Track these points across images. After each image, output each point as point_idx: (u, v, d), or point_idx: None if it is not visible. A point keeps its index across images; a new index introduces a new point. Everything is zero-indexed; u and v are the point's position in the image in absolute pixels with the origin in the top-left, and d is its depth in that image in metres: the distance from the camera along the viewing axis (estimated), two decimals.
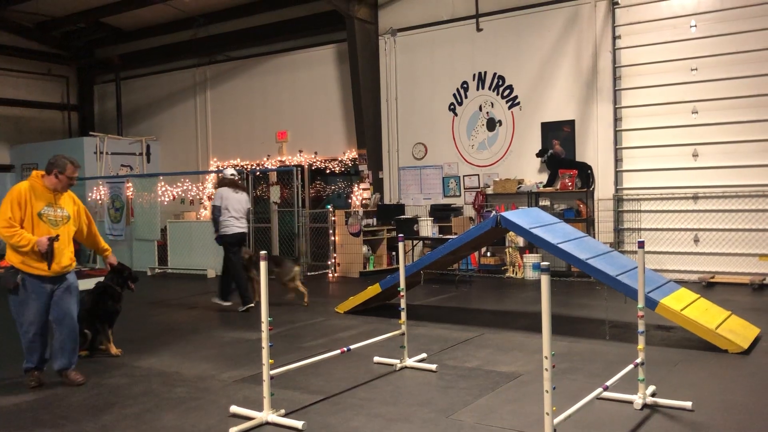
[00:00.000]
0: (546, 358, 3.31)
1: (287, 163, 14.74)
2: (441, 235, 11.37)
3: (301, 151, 14.73)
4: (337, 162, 14.27)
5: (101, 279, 6.80)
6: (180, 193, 14.92)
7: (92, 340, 6.48)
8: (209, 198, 15.33)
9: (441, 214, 12.15)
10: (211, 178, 15.57)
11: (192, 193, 14.98)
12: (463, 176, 12.63)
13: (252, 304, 8.79)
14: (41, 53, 17.34)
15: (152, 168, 16.73)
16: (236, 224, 8.93)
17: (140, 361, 6.24)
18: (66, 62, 17.95)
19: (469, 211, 12.37)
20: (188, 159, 16.53)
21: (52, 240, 5.34)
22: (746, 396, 4.82)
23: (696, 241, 10.45)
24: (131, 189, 14.28)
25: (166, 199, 14.61)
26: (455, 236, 9.73)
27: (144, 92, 17.59)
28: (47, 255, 5.32)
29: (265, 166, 15.05)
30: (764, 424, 4.24)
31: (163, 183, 14.46)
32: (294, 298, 9.15)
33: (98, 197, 15.06)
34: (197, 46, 15.96)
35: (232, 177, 9.39)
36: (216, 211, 8.90)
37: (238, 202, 8.95)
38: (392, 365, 5.79)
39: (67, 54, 17.84)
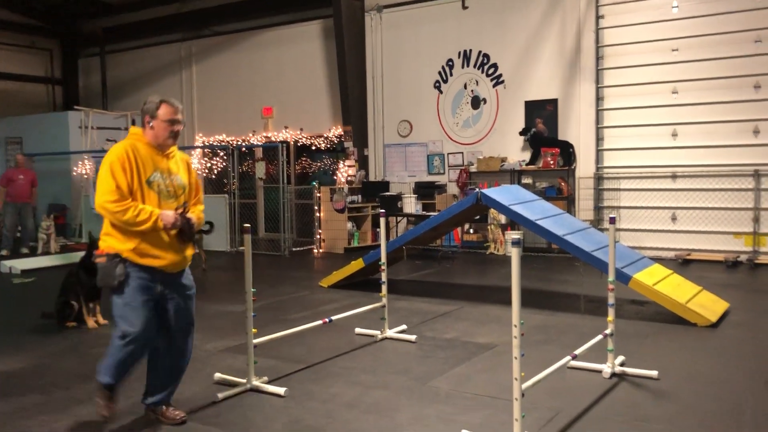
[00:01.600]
0: (515, 326, 3.48)
1: (273, 139, 14.79)
2: (424, 212, 11.53)
3: (286, 128, 14.77)
4: (322, 138, 14.34)
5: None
6: None
7: (79, 312, 6.60)
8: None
9: (425, 191, 12.30)
10: (196, 154, 15.60)
11: None
12: (448, 154, 12.76)
13: None
14: (24, 26, 17.18)
15: None
16: None
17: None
18: (50, 35, 17.80)
19: (453, 189, 12.53)
20: None
21: (183, 214, 3.92)
22: (710, 366, 5.04)
23: (673, 219, 10.69)
24: None
25: None
26: (437, 213, 9.89)
27: (129, 66, 17.50)
28: (184, 235, 3.95)
29: (251, 141, 15.09)
30: (723, 392, 4.46)
31: None
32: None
33: (84, 172, 15.06)
34: (183, 20, 15.88)
35: None
36: None
37: None
38: (373, 336, 5.97)
39: (51, 27, 17.69)
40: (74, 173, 15.43)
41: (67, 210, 15.44)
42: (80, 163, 15.21)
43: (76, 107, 16.51)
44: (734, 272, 9.29)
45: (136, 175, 3.86)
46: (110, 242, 3.88)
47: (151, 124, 4.00)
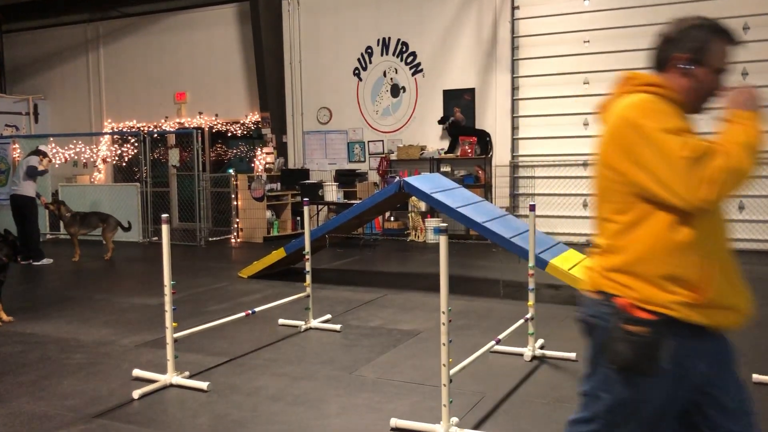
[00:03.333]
0: (443, 312, 3.51)
1: (186, 125, 14.35)
2: (346, 200, 11.49)
3: (201, 113, 14.36)
4: (239, 125, 14.03)
5: None
6: (72, 155, 14.25)
7: None
8: (104, 161, 14.75)
9: (346, 179, 12.25)
10: (106, 140, 14.94)
11: (85, 156, 14.34)
12: (368, 142, 12.75)
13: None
14: None
15: (41, 129, 15.81)
16: (12, 188, 10.22)
17: (33, 328, 6.04)
18: None
19: (374, 177, 12.54)
20: (80, 120, 15.73)
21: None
22: None
23: (585, 205, 11.09)
24: (18, 150, 13.48)
25: (57, 162, 13.92)
26: (360, 201, 9.87)
27: (30, 47, 16.50)
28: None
29: (163, 128, 14.58)
30: None
31: (53, 144, 13.75)
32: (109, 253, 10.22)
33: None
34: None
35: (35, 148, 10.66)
36: None
37: (18, 168, 10.31)
38: (297, 327, 5.90)
39: None
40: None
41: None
42: None
43: None
44: None
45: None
46: (640, 288, 2.04)
47: (691, 68, 2.19)
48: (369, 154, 12.74)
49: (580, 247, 9.67)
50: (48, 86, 16.31)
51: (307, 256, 5.99)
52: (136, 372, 4.65)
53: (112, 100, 15.53)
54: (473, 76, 11.78)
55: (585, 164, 10.99)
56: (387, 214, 11.99)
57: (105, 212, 10.60)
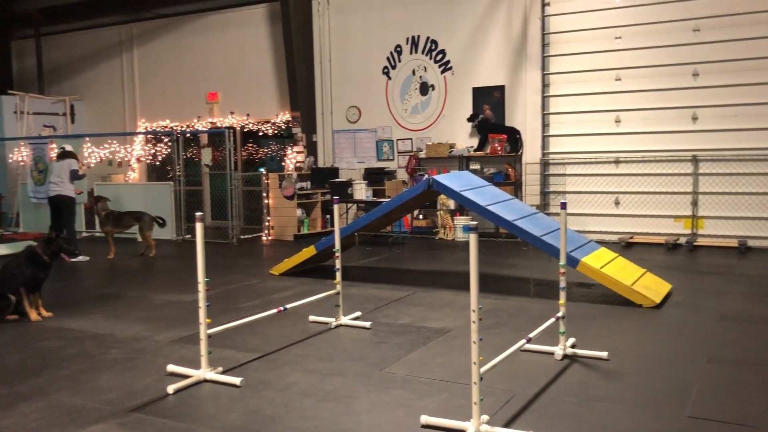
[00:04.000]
0: (473, 311, 3.51)
1: (218, 124, 14.52)
2: (375, 198, 11.53)
3: (232, 113, 14.52)
4: (270, 124, 14.15)
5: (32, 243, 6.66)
6: (107, 155, 14.53)
7: (18, 304, 6.36)
8: (138, 160, 15.01)
9: (375, 177, 12.30)
10: (140, 140, 15.20)
11: (120, 155, 14.61)
12: (397, 140, 12.78)
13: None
14: None
15: (77, 129, 16.16)
16: (53, 188, 10.42)
17: (72, 324, 6.18)
18: None
19: (403, 175, 12.56)
20: (115, 120, 16.03)
21: None
22: (655, 345, 5.21)
23: (617, 203, 10.97)
24: (55, 150, 13.78)
25: (93, 161, 14.20)
26: (389, 199, 9.90)
27: (67, 50, 16.86)
28: None
29: (196, 127, 14.78)
30: (670, 370, 4.62)
31: (89, 144, 14.04)
32: (147, 249, 10.55)
33: (20, 159, 14.50)
34: (123, 1, 15.36)
35: (62, 149, 10.98)
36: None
37: (57, 168, 10.49)
38: (327, 323, 5.95)
39: None
40: (10, 160, 14.84)
41: (2, 198, 14.84)
42: (16, 150, 14.63)
43: (10, 92, 15.84)
44: (674, 254, 9.61)
45: None
46: None
47: None
48: (398, 153, 12.76)
49: (611, 245, 9.60)
50: (84, 87, 16.65)
51: (337, 254, 6.03)
52: (171, 367, 4.74)
53: (145, 100, 15.79)
54: (503, 74, 11.73)
55: (617, 161, 10.88)
56: (415, 212, 12.00)
57: (139, 210, 10.78)
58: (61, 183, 10.41)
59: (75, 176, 10.56)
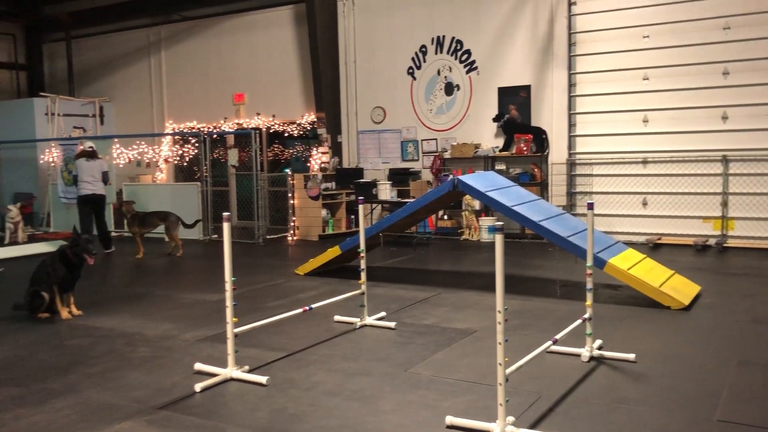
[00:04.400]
0: (499, 312, 3.50)
1: (245, 125, 14.64)
2: (399, 199, 11.54)
3: (258, 114, 14.63)
4: (295, 125, 14.23)
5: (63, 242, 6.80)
6: (136, 155, 14.72)
7: (51, 302, 6.48)
8: (166, 161, 15.18)
9: (399, 177, 12.30)
10: (167, 141, 15.39)
11: (148, 156, 14.80)
12: (422, 140, 12.77)
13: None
14: None
15: (106, 130, 16.42)
16: (88, 187, 10.84)
17: (101, 323, 6.28)
18: (12, 19, 17.31)
19: (427, 175, 12.55)
20: (143, 121, 16.25)
21: None
22: (684, 348, 5.14)
23: (644, 204, 10.84)
24: (86, 148, 13.99)
25: (122, 162, 14.41)
26: (413, 199, 9.89)
27: (96, 52, 17.13)
28: None
29: (222, 128, 14.92)
30: (699, 374, 4.56)
31: (118, 145, 14.24)
32: (174, 248, 10.72)
33: (50, 160, 14.76)
34: (151, 4, 15.56)
35: (90, 149, 11.30)
36: (76, 178, 11.08)
37: (90, 169, 10.88)
38: (352, 323, 5.97)
39: (14, 10, 17.20)
40: (41, 161, 15.11)
41: (34, 199, 15.12)
42: (47, 150, 14.89)
43: (41, 94, 16.14)
44: (704, 256, 9.47)
45: None
46: None
47: None
48: (422, 153, 12.75)
49: (638, 246, 9.49)
50: (113, 89, 16.91)
51: (362, 254, 6.05)
52: (198, 366, 4.79)
53: (173, 101, 15.98)
54: (529, 73, 11.66)
55: (644, 162, 10.75)
56: (440, 212, 11.98)
57: (165, 210, 10.92)
58: (95, 182, 10.82)
59: (106, 177, 11.06)
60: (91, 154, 11.10)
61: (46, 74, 18.06)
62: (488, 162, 11.84)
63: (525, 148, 11.46)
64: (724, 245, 9.95)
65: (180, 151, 15.07)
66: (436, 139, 12.61)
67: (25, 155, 15.22)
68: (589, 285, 4.91)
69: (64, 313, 6.47)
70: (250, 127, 14.31)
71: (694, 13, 10.21)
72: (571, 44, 11.16)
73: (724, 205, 10.23)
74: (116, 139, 14.29)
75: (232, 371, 4.60)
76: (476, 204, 11.51)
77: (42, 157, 15.05)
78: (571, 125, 11.29)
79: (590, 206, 4.96)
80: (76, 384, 4.58)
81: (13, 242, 12.23)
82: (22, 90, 17.78)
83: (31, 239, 12.76)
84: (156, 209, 11.19)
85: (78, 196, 10.99)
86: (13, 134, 15.25)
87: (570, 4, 11.11)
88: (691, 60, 10.30)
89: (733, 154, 10.15)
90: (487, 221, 11.48)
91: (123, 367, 4.92)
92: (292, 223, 12.43)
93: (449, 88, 12.46)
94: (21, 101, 16.31)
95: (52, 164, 14.69)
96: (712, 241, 10.20)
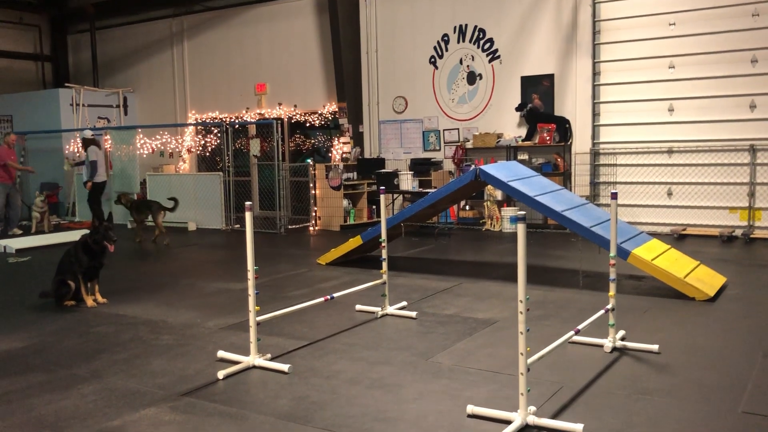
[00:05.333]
0: (521, 301, 3.48)
1: (266, 116, 14.69)
2: (421, 189, 11.51)
3: (280, 104, 14.67)
4: (317, 115, 14.25)
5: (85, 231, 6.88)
6: (159, 146, 14.85)
7: (76, 291, 6.58)
8: (188, 151, 15.29)
9: (421, 168, 12.27)
10: (190, 131, 15.49)
11: (171, 146, 14.91)
12: (443, 130, 12.71)
13: None
14: (12, 1, 16.89)
15: (130, 120, 16.58)
16: (103, 174, 11.72)
17: (126, 310, 6.36)
18: (38, 11, 17.52)
19: (449, 165, 12.50)
20: (166, 111, 16.38)
21: None
22: (709, 339, 5.08)
23: (669, 194, 10.71)
24: (109, 141, 14.17)
25: (145, 152, 14.54)
26: (435, 190, 9.87)
27: (120, 43, 17.28)
28: None
29: (244, 118, 14.98)
30: (724, 365, 4.50)
31: (141, 135, 14.37)
32: (158, 236, 10.86)
33: (76, 150, 14.93)
34: None
35: (93, 137, 11.82)
36: (95, 164, 11.45)
37: (102, 156, 11.70)
38: (374, 313, 5.98)
39: (39, 2, 17.40)
40: (66, 151, 15.30)
41: (59, 188, 15.33)
42: (72, 141, 15.07)
43: (66, 84, 16.32)
44: (730, 247, 9.34)
45: None
46: None
47: None
48: (444, 143, 12.70)
49: (663, 237, 9.38)
50: (136, 79, 17.05)
51: (383, 244, 6.05)
52: (221, 353, 4.84)
53: (195, 91, 16.08)
54: (552, 62, 11.54)
55: (670, 151, 10.61)
56: (462, 203, 11.94)
57: (151, 199, 11.66)
58: (102, 171, 11.72)
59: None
60: (98, 142, 11.78)
61: (70, 65, 18.27)
62: (511, 152, 11.76)
63: (548, 138, 11.37)
64: (751, 236, 9.79)
65: (202, 142, 15.17)
66: (458, 128, 12.55)
67: (50, 145, 15.42)
68: (613, 275, 4.87)
69: (89, 302, 6.56)
70: (271, 117, 14.35)
71: (719, 0, 10.02)
72: (595, 32, 11.02)
73: (751, 195, 10.07)
74: (140, 130, 14.41)
75: (254, 359, 4.64)
76: (498, 194, 11.45)
77: (67, 147, 15.23)
78: (595, 114, 11.16)
79: (614, 196, 4.90)
80: (102, 370, 4.65)
81: (39, 231, 12.41)
82: (48, 81, 18.01)
83: (57, 228, 12.94)
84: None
85: (97, 183, 11.57)
86: (38, 125, 15.46)
87: None
88: (718, 48, 10.12)
89: (761, 143, 9.98)
90: (509, 211, 11.41)
91: (147, 354, 4.99)
92: (314, 213, 12.47)
93: (471, 78, 12.38)
94: (46, 92, 16.51)
95: (78, 155, 14.86)
96: (738, 232, 10.04)
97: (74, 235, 10.60)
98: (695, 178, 10.47)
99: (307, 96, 14.31)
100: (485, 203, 11.73)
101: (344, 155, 13.13)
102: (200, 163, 15.78)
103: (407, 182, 11.66)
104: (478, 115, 12.34)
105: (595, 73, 11.09)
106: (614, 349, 4.81)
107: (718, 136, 10.26)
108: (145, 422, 3.75)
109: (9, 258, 9.79)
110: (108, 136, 14.20)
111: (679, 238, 9.98)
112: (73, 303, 6.57)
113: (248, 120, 14.79)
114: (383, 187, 6.44)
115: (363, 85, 13.48)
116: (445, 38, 12.53)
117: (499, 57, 12.05)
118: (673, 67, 10.50)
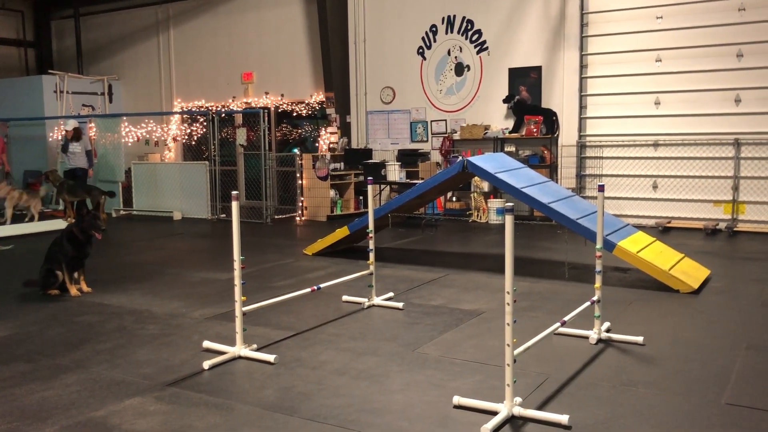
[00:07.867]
0: (508, 293, 3.49)
1: (253, 105, 14.60)
2: (408, 180, 11.50)
3: (267, 93, 14.57)
4: (304, 105, 14.18)
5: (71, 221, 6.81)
6: (144, 134, 14.72)
7: (63, 281, 6.51)
8: (174, 140, 15.17)
9: (408, 159, 12.25)
10: (176, 120, 15.36)
11: (156, 135, 14.79)
12: (431, 121, 12.69)
13: None
14: None
15: (115, 108, 16.40)
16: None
17: (111, 300, 6.31)
18: None
19: (436, 157, 12.49)
20: (151, 99, 16.22)
21: None
22: (693, 332, 5.13)
23: (654, 187, 10.77)
24: (94, 129, 14.03)
25: (130, 141, 14.41)
26: (422, 181, 9.86)
27: (104, 29, 17.07)
28: None
29: (231, 107, 14.88)
30: (708, 357, 4.54)
31: (126, 124, 14.23)
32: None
33: (60, 138, 14.77)
34: None
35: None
36: (90, 153, 12.30)
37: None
38: (360, 303, 5.98)
39: None
40: (50, 139, 15.13)
41: (42, 176, 15.15)
42: (56, 128, 14.90)
43: (50, 71, 16.11)
44: (714, 240, 9.42)
45: None
46: None
47: None
48: (432, 134, 12.69)
49: (648, 229, 9.44)
50: (121, 67, 16.86)
51: (370, 234, 6.04)
52: (206, 344, 4.81)
53: (181, 80, 15.93)
54: (540, 54, 11.54)
55: (656, 144, 10.67)
56: (449, 194, 11.94)
57: (91, 185, 11.94)
58: (76, 157, 12.31)
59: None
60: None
61: (54, 51, 18.02)
62: (498, 144, 11.77)
63: (535, 130, 11.38)
64: (735, 229, 9.88)
65: (188, 130, 15.05)
66: (445, 120, 12.54)
67: (34, 133, 15.23)
68: (599, 267, 4.89)
69: (73, 291, 6.50)
70: (258, 106, 14.26)
71: None
72: (583, 24, 11.03)
73: (735, 188, 10.15)
74: (125, 118, 14.27)
75: (240, 349, 4.62)
76: (485, 186, 11.47)
77: (51, 135, 15.06)
78: (582, 107, 11.19)
79: (601, 188, 4.92)
80: (86, 360, 4.61)
81: (30, 219, 12.20)
82: (31, 67, 17.76)
83: (41, 216, 12.78)
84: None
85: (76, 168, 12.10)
86: (21, 112, 15.26)
87: None
88: (705, 42, 10.16)
89: (746, 137, 10.05)
90: (495, 203, 11.44)
91: (132, 344, 4.95)
92: (301, 204, 12.42)
93: (459, 69, 12.36)
94: (29, 78, 16.29)
95: (61, 142, 14.70)
96: (722, 225, 10.13)
97: (58, 224, 10.52)
98: (680, 172, 10.53)
99: (294, 85, 14.22)
100: (472, 195, 11.75)
101: (331, 145, 13.08)
102: (186, 152, 15.66)
103: (394, 173, 11.63)
104: (465, 106, 12.33)
105: (583, 66, 11.11)
106: (599, 340, 4.84)
107: (704, 129, 10.32)
108: (129, 412, 3.73)
109: None
110: (93, 124, 14.04)
111: (663, 231, 10.05)
112: (57, 292, 6.50)
113: (235, 109, 14.68)
114: (371, 178, 6.42)
115: (351, 75, 13.41)
116: (434, 29, 12.49)
117: (487, 48, 12.03)
118: (660, 60, 10.54)
